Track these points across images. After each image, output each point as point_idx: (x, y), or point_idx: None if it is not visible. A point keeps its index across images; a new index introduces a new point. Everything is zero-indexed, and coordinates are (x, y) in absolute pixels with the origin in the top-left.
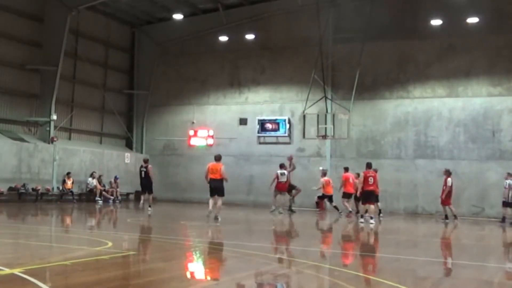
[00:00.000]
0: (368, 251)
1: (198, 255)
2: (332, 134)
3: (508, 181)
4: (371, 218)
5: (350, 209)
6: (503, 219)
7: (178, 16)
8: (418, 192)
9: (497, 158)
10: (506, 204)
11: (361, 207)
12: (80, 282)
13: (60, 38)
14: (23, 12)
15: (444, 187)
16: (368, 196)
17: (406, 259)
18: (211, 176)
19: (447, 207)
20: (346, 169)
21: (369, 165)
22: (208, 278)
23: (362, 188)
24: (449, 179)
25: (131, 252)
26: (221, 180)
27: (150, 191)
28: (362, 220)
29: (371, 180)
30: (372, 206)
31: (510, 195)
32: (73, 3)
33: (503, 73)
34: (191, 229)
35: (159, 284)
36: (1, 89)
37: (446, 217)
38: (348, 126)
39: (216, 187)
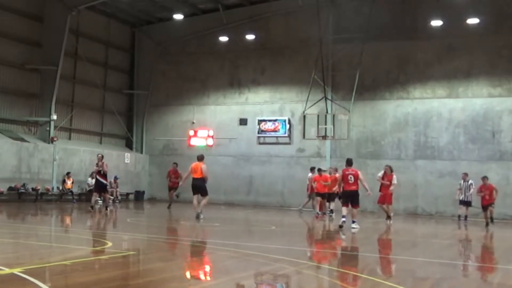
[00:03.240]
0: (367, 251)
1: (197, 255)
2: (332, 134)
3: (470, 181)
4: (353, 222)
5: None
6: (459, 217)
7: (178, 16)
8: (418, 192)
9: (497, 159)
10: (463, 202)
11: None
12: (79, 282)
13: (60, 37)
14: (23, 12)
15: (388, 182)
16: (346, 196)
17: (406, 259)
18: (193, 175)
19: (386, 206)
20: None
21: (349, 162)
22: (208, 278)
23: (343, 188)
24: (395, 176)
25: (131, 252)
26: (202, 179)
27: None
28: (354, 225)
29: (351, 178)
30: (354, 210)
31: (466, 194)
32: (73, 3)
33: (503, 73)
34: (190, 229)
35: (159, 284)
36: (1, 89)
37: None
38: (348, 127)
39: (198, 186)
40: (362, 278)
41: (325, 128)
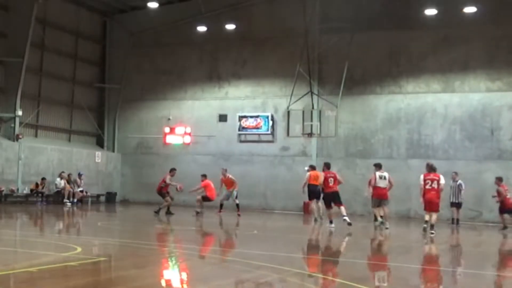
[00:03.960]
0: (356, 257)
1: (173, 261)
2: (319, 132)
3: (458, 181)
4: (331, 222)
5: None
6: (453, 221)
7: (153, 4)
8: (411, 194)
9: (496, 158)
10: (453, 204)
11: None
12: None
13: (26, 27)
14: None
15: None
16: (329, 198)
17: (398, 266)
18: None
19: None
20: (205, 176)
21: (327, 165)
22: (185, 286)
23: (323, 190)
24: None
25: (102, 258)
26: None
27: None
28: (332, 225)
29: (331, 181)
30: (342, 208)
31: (457, 195)
32: None
33: (502, 66)
34: (166, 233)
35: None
36: None
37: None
38: (335, 123)
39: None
40: (350, 285)
41: (311, 125)
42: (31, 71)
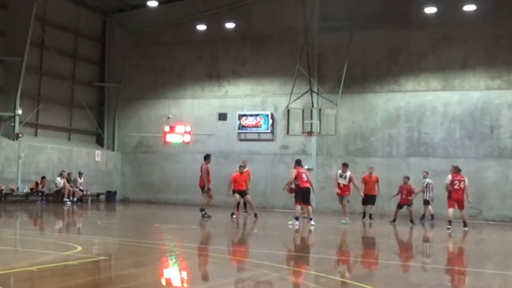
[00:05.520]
0: (356, 256)
1: (174, 260)
2: (318, 130)
3: (426, 180)
4: (311, 219)
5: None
6: (423, 216)
7: (152, 3)
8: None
9: (496, 156)
10: (426, 202)
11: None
12: None
13: (25, 26)
14: None
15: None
16: (307, 193)
17: (397, 265)
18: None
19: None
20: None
21: (298, 162)
22: (185, 285)
23: (297, 186)
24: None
25: (102, 257)
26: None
27: None
28: (291, 222)
29: (304, 176)
30: (310, 208)
31: (429, 193)
32: None
33: (502, 64)
34: (166, 232)
35: None
36: None
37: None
38: (335, 122)
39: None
40: (351, 284)
41: (311, 123)
42: (30, 70)
